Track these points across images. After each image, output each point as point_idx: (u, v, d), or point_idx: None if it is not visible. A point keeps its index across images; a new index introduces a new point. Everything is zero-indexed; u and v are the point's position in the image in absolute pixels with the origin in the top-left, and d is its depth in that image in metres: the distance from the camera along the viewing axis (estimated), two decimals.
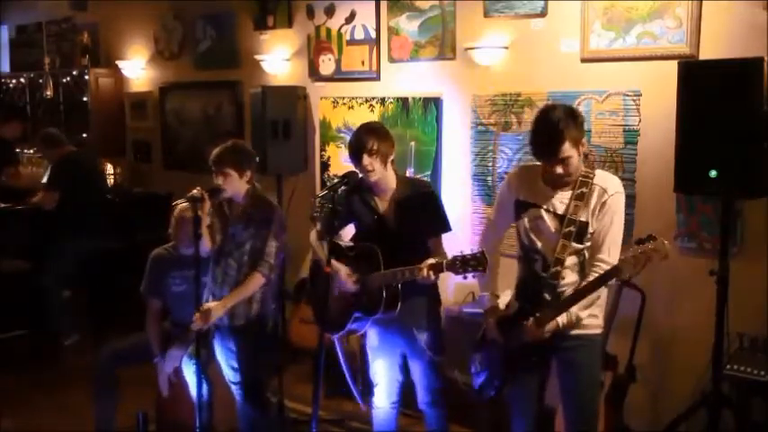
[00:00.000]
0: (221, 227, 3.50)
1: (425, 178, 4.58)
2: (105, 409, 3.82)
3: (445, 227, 3.34)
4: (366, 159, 3.18)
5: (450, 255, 2.96)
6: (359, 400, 3.96)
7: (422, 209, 3.27)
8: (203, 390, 3.43)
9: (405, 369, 3.45)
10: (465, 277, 2.90)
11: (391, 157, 3.28)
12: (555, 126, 2.64)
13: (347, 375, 3.97)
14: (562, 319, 2.71)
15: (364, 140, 3.18)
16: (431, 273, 2.96)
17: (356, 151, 3.20)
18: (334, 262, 3.24)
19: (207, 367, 3.57)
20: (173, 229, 3.76)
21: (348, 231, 3.52)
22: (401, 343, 3.36)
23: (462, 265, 2.87)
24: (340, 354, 3.92)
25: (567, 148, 2.65)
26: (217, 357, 3.57)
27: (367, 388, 3.63)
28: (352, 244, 3.40)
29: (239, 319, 3.46)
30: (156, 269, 3.83)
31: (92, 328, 5.54)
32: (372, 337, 3.43)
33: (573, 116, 2.70)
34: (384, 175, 3.27)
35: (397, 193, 3.31)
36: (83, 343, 5.45)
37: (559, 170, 2.70)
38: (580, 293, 2.70)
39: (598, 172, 2.81)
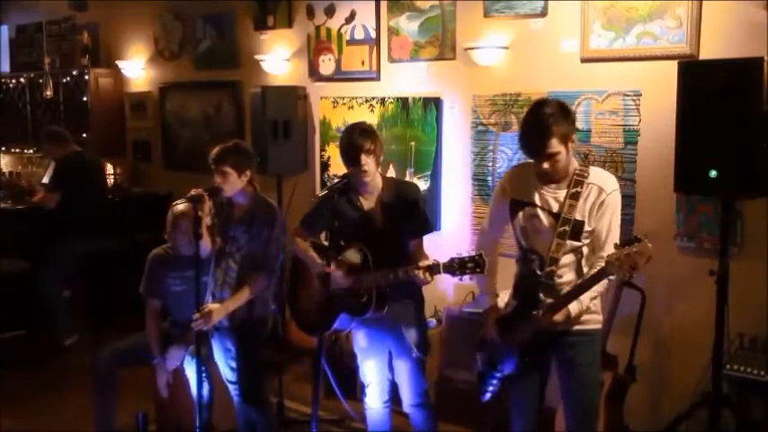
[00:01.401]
0: (222, 228, 3.50)
1: (424, 179, 4.59)
2: (105, 409, 3.81)
3: (428, 228, 3.35)
4: (364, 159, 3.18)
5: (447, 256, 2.96)
6: (342, 400, 3.94)
7: (406, 210, 3.28)
8: (203, 390, 3.43)
9: (393, 367, 3.45)
10: (461, 279, 2.91)
11: (381, 158, 3.30)
12: (543, 121, 2.63)
13: (329, 375, 3.98)
14: (573, 307, 2.69)
15: (361, 142, 3.18)
16: (427, 274, 2.96)
17: (354, 153, 3.19)
18: (315, 257, 3.29)
19: (207, 367, 3.57)
20: (169, 229, 3.75)
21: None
22: (389, 341, 3.36)
23: (460, 267, 2.87)
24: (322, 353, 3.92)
25: (555, 144, 2.64)
26: (215, 357, 3.57)
27: (361, 388, 3.63)
28: (327, 244, 3.39)
29: (238, 320, 3.45)
30: (154, 269, 3.82)
31: (92, 328, 5.53)
32: (360, 338, 3.43)
33: (563, 112, 2.68)
34: (374, 176, 3.28)
35: (383, 193, 3.31)
36: (83, 343, 5.45)
37: (546, 166, 2.69)
38: (580, 289, 2.68)
39: (592, 170, 2.80)
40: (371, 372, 3.44)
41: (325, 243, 3.41)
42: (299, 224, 3.50)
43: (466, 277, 2.89)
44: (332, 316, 3.31)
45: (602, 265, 2.69)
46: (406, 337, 3.30)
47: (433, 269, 2.95)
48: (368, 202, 3.32)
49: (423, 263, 2.98)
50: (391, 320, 3.26)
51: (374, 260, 3.16)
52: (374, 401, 3.49)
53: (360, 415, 4.06)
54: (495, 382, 3.01)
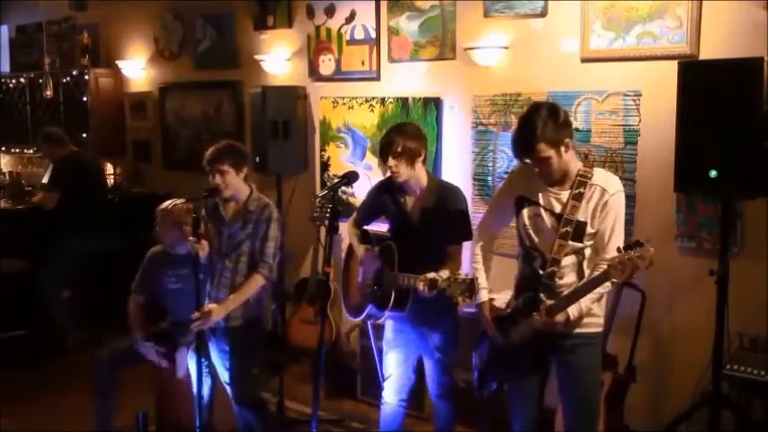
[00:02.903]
0: (216, 229, 3.49)
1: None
2: (105, 409, 3.81)
3: (466, 236, 3.33)
4: (391, 161, 3.22)
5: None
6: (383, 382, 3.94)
7: (446, 215, 3.29)
8: (204, 390, 3.43)
9: (418, 369, 3.50)
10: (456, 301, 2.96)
11: (420, 158, 3.30)
12: (530, 127, 2.64)
13: (377, 360, 3.97)
14: (573, 310, 2.69)
15: (390, 141, 3.22)
16: (426, 287, 2.98)
17: (382, 152, 3.26)
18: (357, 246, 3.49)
19: (209, 368, 3.57)
20: (156, 229, 3.75)
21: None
22: (414, 340, 3.41)
23: (452, 286, 2.90)
24: (371, 338, 3.93)
25: (544, 149, 2.64)
26: (212, 360, 3.57)
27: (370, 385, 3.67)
28: (387, 235, 3.47)
29: (235, 321, 3.45)
30: (149, 267, 3.83)
31: (92, 328, 5.53)
32: (388, 330, 3.49)
33: (553, 117, 2.66)
34: (412, 176, 3.29)
35: (426, 195, 3.34)
36: (83, 343, 5.45)
37: (536, 170, 2.71)
38: (581, 291, 2.68)
39: (596, 171, 2.80)
40: (392, 365, 3.48)
41: (372, 234, 3.51)
42: (356, 213, 3.64)
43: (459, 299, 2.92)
44: (363, 303, 3.42)
45: (604, 267, 2.69)
46: (429, 339, 3.35)
47: (431, 284, 2.97)
48: (410, 201, 3.37)
49: (425, 275, 3.00)
50: (417, 320, 3.32)
51: (408, 259, 3.20)
52: (390, 396, 3.51)
53: (360, 416, 4.08)
54: (492, 380, 3.02)
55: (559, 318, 2.68)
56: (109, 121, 6.85)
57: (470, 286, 2.85)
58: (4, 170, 7.91)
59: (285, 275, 4.56)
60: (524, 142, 2.67)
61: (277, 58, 5.40)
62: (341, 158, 5.10)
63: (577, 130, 3.83)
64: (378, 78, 4.89)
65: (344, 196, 4.87)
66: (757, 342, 3.43)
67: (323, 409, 3.92)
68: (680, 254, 3.66)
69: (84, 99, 6.78)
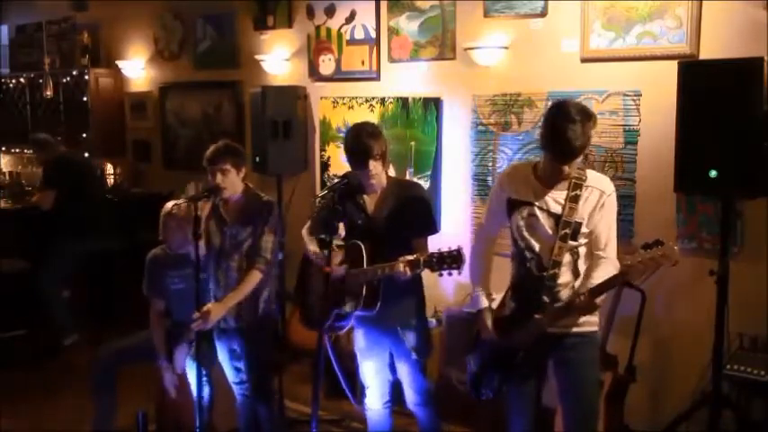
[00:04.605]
0: (218, 229, 3.49)
1: (424, 179, 4.59)
2: (104, 409, 3.81)
3: (430, 228, 3.32)
4: (372, 164, 3.19)
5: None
6: (352, 400, 3.94)
7: (408, 210, 3.26)
8: (204, 390, 3.43)
9: (394, 368, 3.45)
10: (441, 274, 2.91)
11: (388, 157, 3.30)
12: (578, 128, 2.59)
13: (339, 375, 3.96)
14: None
15: (369, 146, 3.17)
16: (407, 269, 2.95)
17: (361, 157, 3.19)
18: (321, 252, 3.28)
19: (209, 369, 3.57)
20: (161, 229, 3.76)
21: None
22: (387, 343, 3.36)
23: (438, 262, 2.88)
24: (330, 353, 3.91)
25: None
26: (219, 359, 3.57)
27: (361, 389, 3.63)
28: (341, 242, 3.40)
29: (246, 320, 3.45)
30: (153, 269, 3.82)
31: (92, 328, 5.54)
32: (359, 338, 3.42)
33: (587, 115, 2.65)
34: (380, 177, 3.29)
35: (387, 192, 3.31)
36: (83, 343, 5.45)
37: (567, 169, 2.69)
38: (595, 292, 2.66)
39: (589, 173, 2.80)
40: (370, 373, 3.44)
41: (332, 238, 3.42)
42: (311, 221, 3.49)
43: (445, 272, 2.89)
44: (328, 311, 3.29)
45: (604, 262, 2.69)
46: (404, 340, 3.30)
47: (413, 264, 2.95)
48: (370, 201, 3.32)
49: (404, 257, 2.96)
50: (389, 322, 3.26)
51: (376, 258, 3.15)
52: (374, 402, 3.48)
53: (360, 416, 4.06)
54: (489, 383, 3.01)
55: (566, 319, 2.68)
56: (109, 121, 6.85)
57: (457, 258, 2.84)
58: (4, 170, 7.92)
59: (285, 275, 4.55)
60: (574, 144, 2.60)
61: (277, 58, 5.40)
62: (341, 158, 5.09)
63: None
64: (378, 78, 4.89)
65: None
66: (757, 342, 3.43)
67: (323, 409, 3.92)
68: (680, 254, 3.63)
69: (84, 99, 6.78)
